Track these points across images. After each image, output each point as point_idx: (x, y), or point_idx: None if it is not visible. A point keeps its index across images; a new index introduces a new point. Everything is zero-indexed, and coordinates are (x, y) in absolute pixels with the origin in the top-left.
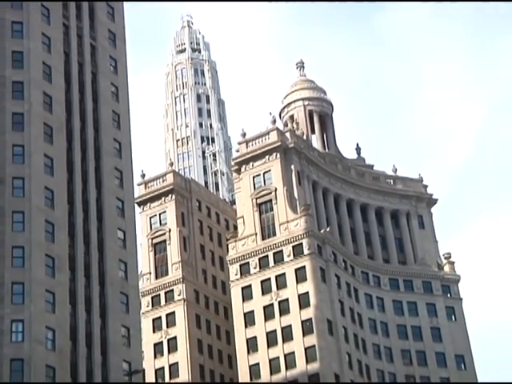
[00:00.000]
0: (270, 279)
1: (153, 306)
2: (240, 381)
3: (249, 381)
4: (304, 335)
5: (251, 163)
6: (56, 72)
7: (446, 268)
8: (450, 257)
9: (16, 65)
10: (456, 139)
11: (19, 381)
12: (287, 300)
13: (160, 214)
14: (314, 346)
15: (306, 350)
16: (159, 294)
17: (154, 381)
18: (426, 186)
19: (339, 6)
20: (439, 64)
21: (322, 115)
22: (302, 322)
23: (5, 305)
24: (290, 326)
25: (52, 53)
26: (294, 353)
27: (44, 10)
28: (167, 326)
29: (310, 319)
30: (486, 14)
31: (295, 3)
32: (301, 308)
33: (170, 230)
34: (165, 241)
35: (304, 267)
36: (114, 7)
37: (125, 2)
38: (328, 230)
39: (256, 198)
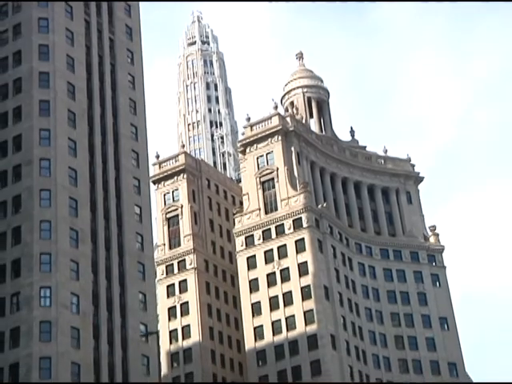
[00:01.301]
0: (272, 250)
1: (167, 274)
2: (246, 340)
3: (254, 340)
4: (303, 300)
5: (255, 145)
6: (78, 63)
7: (432, 239)
8: (434, 229)
9: (42, 57)
10: (441, 122)
11: (48, 340)
12: (288, 268)
13: (173, 192)
14: (312, 309)
15: (304, 313)
16: (172, 264)
17: (168, 340)
18: (413, 166)
19: (334, 3)
20: (425, 53)
21: (319, 101)
22: (302, 288)
23: (34, 273)
24: (290, 291)
25: (75, 46)
26: (294, 316)
27: (67, 7)
28: (180, 292)
29: (309, 286)
30: (467, 9)
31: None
32: (300, 276)
33: (182, 206)
34: (177, 215)
35: (303, 239)
36: (130, 4)
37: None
38: (325, 205)
39: (260, 177)
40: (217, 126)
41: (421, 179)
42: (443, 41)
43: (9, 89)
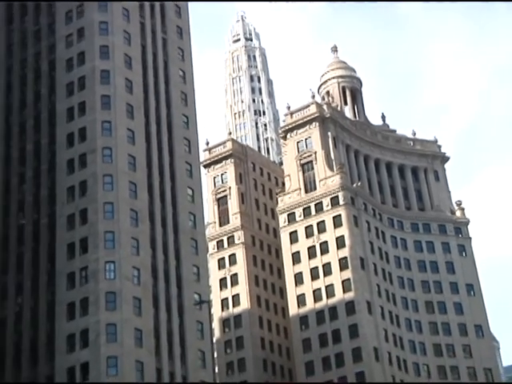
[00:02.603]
0: (312, 225)
1: (218, 248)
2: (290, 307)
3: (297, 307)
4: (341, 270)
5: (295, 131)
6: (135, 61)
7: (458, 213)
8: (460, 204)
9: (103, 56)
10: (463, 106)
11: (113, 308)
12: (326, 242)
13: (222, 175)
14: (349, 278)
15: (342, 282)
16: (222, 239)
17: (220, 308)
18: (439, 146)
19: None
20: (447, 41)
21: (352, 90)
22: (339, 259)
23: (99, 249)
24: (329, 263)
25: (131, 46)
26: (332, 285)
27: (124, 11)
28: (230, 265)
29: (346, 257)
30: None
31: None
32: (338, 248)
33: (230, 188)
34: (226, 196)
35: (340, 215)
36: (180, 6)
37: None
38: (359, 184)
39: (300, 160)
40: (260, 115)
41: (447, 159)
42: (461, 32)
43: (74, 86)
